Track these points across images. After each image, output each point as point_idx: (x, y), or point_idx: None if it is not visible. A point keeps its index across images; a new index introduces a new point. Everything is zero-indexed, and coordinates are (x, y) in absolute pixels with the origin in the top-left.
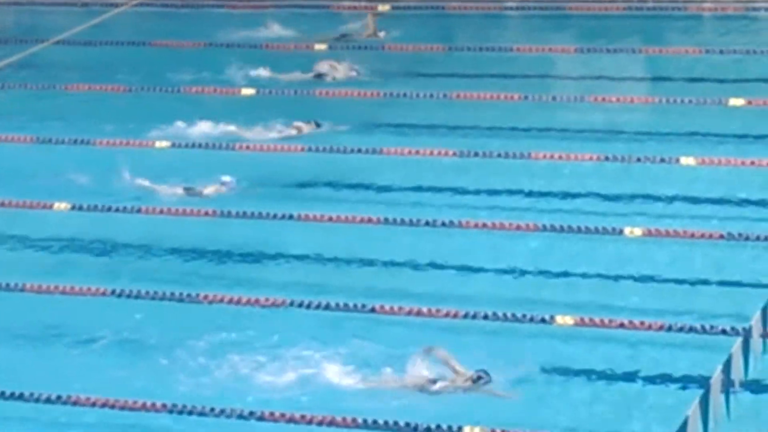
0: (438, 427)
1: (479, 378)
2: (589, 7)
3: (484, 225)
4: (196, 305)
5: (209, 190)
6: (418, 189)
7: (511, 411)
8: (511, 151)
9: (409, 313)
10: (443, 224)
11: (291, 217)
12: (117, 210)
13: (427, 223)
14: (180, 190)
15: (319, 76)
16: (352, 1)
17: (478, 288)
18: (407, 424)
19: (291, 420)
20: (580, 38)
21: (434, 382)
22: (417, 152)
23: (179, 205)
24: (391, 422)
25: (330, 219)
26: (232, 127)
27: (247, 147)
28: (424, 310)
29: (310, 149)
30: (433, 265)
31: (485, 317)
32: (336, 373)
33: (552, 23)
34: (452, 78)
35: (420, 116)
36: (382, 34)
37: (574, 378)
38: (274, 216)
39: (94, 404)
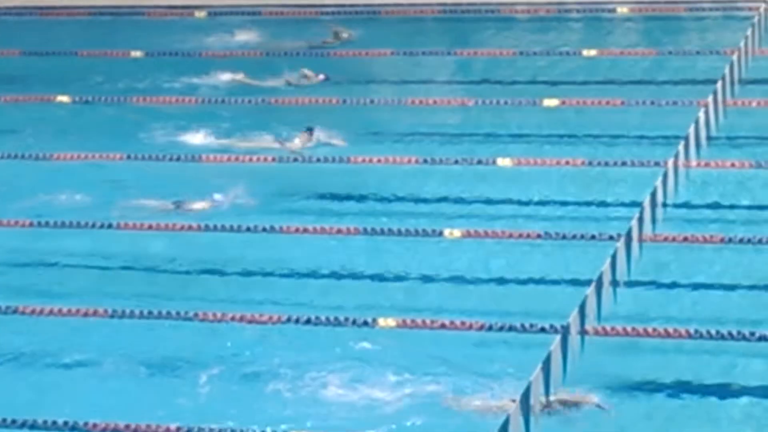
0: None
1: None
2: (405, 11)
3: (305, 230)
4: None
5: (199, 205)
6: None
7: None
8: (330, 156)
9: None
10: None
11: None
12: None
13: None
14: (169, 206)
15: (290, 83)
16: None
17: (291, 291)
18: None
19: None
20: (396, 42)
21: None
22: None
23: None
24: None
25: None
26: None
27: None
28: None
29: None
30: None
31: (297, 321)
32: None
33: (368, 26)
34: None
35: None
36: (345, 35)
37: (386, 379)
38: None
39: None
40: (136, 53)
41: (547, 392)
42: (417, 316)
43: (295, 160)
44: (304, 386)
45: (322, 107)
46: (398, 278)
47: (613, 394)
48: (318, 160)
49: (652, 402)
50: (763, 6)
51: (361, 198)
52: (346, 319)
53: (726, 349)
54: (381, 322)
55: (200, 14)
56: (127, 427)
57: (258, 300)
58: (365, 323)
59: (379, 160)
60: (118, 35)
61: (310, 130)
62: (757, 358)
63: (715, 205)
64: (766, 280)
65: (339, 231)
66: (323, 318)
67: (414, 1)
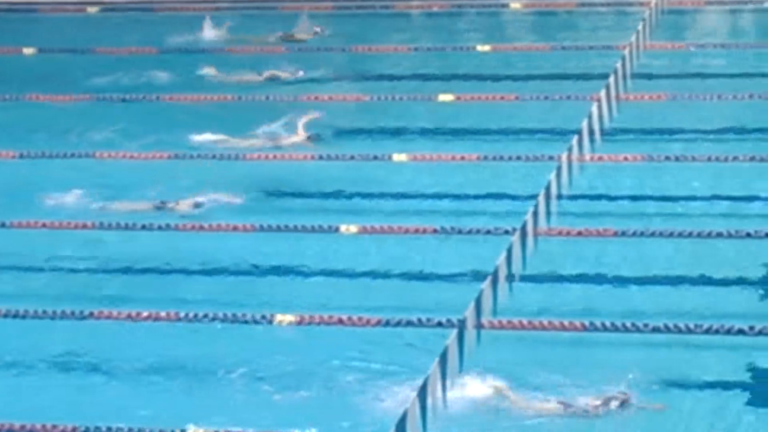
0: None
1: None
2: (300, 6)
3: (193, 227)
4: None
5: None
6: None
7: None
8: (218, 153)
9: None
10: None
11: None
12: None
13: None
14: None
15: (273, 78)
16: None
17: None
18: None
19: None
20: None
21: None
22: None
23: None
24: None
25: None
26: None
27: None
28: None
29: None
30: None
31: (214, 318)
32: None
33: (260, 21)
34: None
35: None
36: (318, 29)
37: (288, 377)
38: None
39: None
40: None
41: (443, 387)
42: (315, 312)
43: None
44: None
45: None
46: (295, 274)
47: (506, 387)
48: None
49: (546, 392)
50: (653, 1)
51: (257, 193)
52: (243, 315)
53: (620, 340)
54: (278, 318)
55: None
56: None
57: None
58: (263, 318)
59: (275, 156)
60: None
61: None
62: (649, 348)
63: (609, 199)
64: (658, 272)
65: (235, 228)
66: (221, 314)
67: None
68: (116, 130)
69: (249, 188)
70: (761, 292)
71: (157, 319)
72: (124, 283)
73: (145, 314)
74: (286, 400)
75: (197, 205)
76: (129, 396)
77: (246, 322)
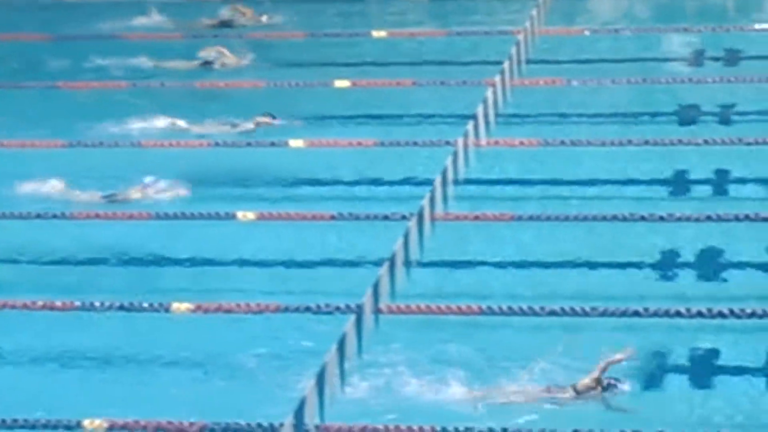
0: None
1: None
2: None
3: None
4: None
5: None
6: None
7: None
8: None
9: None
10: None
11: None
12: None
13: None
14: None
15: (207, 63)
16: None
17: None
18: None
19: None
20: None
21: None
22: None
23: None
24: None
25: None
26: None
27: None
28: None
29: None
30: None
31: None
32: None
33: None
34: None
35: None
36: (264, 18)
37: (186, 364)
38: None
39: None
40: None
41: (342, 372)
42: (213, 299)
43: None
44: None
45: None
46: (192, 262)
47: (406, 371)
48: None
49: (454, 377)
50: None
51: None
52: (140, 304)
53: (517, 324)
54: (175, 306)
55: None
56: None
57: None
58: (160, 306)
59: (171, 144)
60: None
61: (273, 117)
62: (548, 331)
63: (505, 183)
64: (554, 256)
65: (131, 216)
66: (116, 303)
67: None
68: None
69: (138, 177)
70: (654, 274)
71: (52, 308)
72: (21, 271)
73: (40, 303)
74: (184, 389)
75: (107, 197)
76: (23, 385)
77: (142, 310)
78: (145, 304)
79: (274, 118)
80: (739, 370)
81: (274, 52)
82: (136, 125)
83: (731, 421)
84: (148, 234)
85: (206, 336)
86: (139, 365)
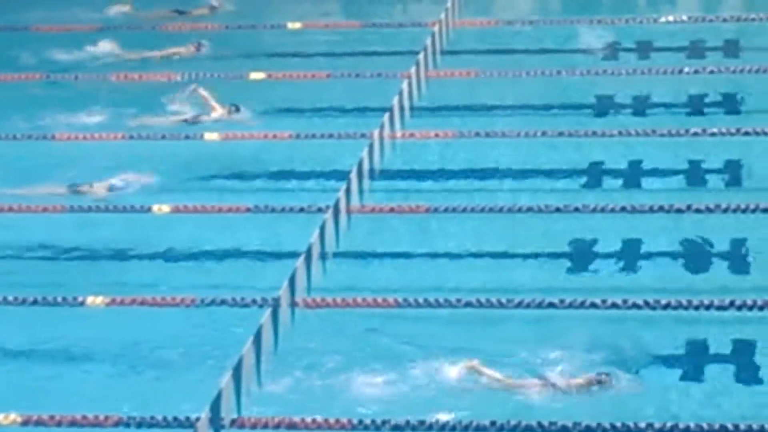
0: None
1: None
2: None
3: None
4: None
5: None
6: None
7: None
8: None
9: None
10: None
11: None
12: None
13: None
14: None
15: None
16: None
17: None
18: None
19: None
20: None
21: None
22: None
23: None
24: None
25: None
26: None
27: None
28: None
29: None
30: None
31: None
32: None
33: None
34: None
35: None
36: (216, 3)
37: (102, 358)
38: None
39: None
40: None
41: (258, 366)
42: (128, 293)
43: None
44: None
45: None
46: (107, 256)
47: (323, 364)
48: None
49: (369, 370)
50: None
51: (67, 174)
52: (55, 298)
53: (431, 315)
54: (90, 300)
55: None
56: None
57: None
58: (75, 301)
59: (85, 137)
60: None
61: (236, 108)
62: (457, 324)
63: (421, 175)
64: (469, 248)
65: (45, 209)
66: (30, 298)
67: None
68: None
69: (58, 172)
70: (569, 265)
71: None
72: None
73: None
74: (99, 383)
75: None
76: None
77: (57, 304)
78: (60, 298)
79: (237, 110)
80: (663, 361)
81: (183, 42)
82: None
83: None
84: (62, 226)
85: (122, 330)
86: (54, 359)
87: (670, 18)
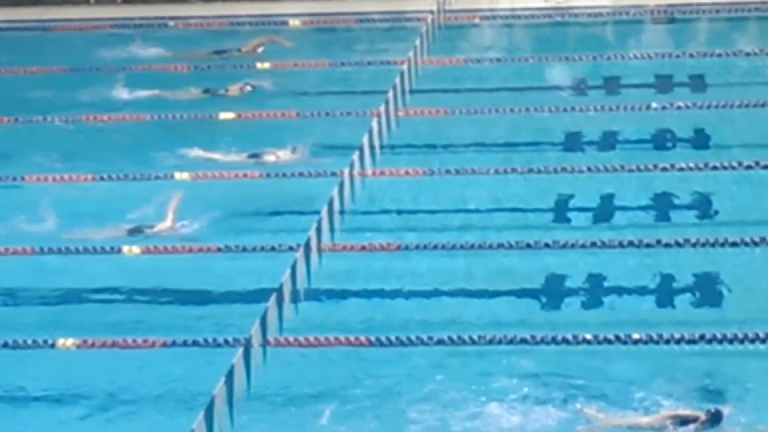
0: None
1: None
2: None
3: None
4: None
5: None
6: None
7: None
8: None
9: None
10: None
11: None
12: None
13: None
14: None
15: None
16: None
17: None
18: None
19: None
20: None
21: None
22: None
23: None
24: None
25: None
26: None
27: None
28: None
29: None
30: None
31: None
32: None
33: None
34: None
35: None
36: (261, 50)
37: (72, 400)
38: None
39: None
40: None
41: (230, 406)
42: (98, 335)
43: None
44: None
45: None
46: (78, 297)
47: (296, 404)
48: None
49: (340, 411)
50: (429, 17)
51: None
52: (24, 340)
53: (406, 354)
54: (60, 342)
55: None
56: None
57: None
58: (45, 343)
59: (54, 179)
60: None
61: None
62: (438, 359)
63: (392, 213)
64: (441, 285)
65: (11, 252)
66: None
67: (84, 16)
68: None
69: (29, 209)
70: (542, 301)
71: None
72: None
73: None
74: (69, 426)
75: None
76: None
77: (27, 347)
78: (30, 341)
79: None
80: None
81: (158, 83)
82: None
83: None
84: (28, 268)
85: (92, 372)
86: (24, 402)
87: (637, 54)
